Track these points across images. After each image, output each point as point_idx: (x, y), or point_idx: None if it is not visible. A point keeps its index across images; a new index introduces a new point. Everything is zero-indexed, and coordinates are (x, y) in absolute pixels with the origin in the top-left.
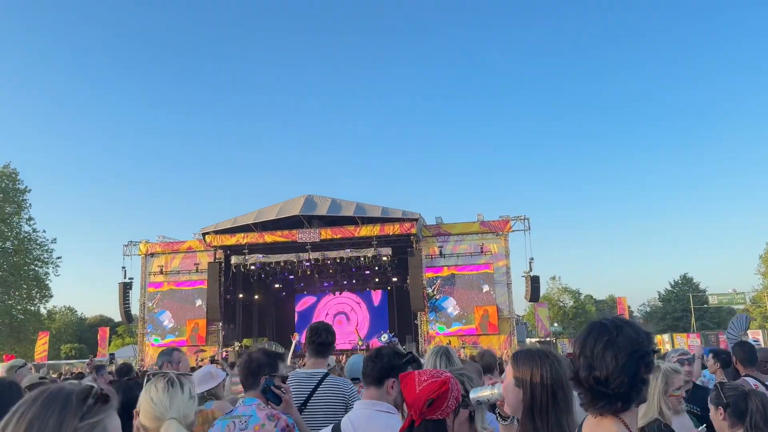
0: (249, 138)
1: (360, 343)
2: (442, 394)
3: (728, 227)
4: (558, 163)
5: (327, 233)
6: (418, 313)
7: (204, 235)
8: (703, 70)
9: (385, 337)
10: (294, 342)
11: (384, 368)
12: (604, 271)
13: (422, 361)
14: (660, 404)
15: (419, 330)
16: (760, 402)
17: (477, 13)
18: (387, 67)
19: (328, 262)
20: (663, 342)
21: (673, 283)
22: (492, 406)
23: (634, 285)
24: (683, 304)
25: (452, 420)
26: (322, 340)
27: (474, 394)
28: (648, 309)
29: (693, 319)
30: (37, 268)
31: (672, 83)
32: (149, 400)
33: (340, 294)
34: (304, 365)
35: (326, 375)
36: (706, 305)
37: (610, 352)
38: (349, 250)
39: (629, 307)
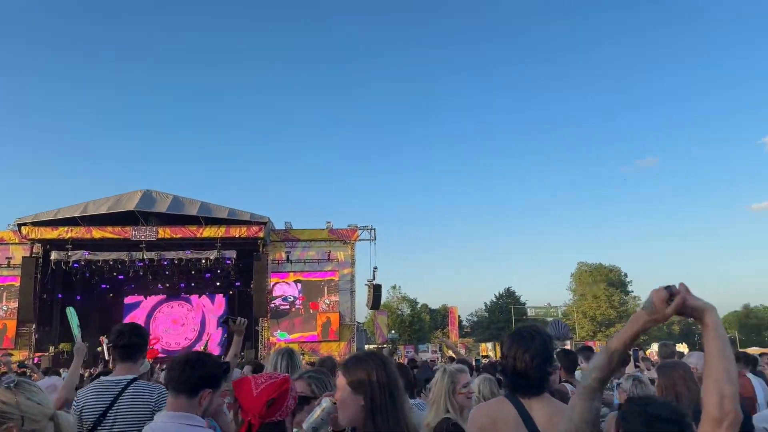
0: (78, 123)
1: (203, 348)
2: (282, 393)
3: (547, 247)
4: (404, 175)
5: (166, 232)
6: (260, 319)
7: (19, 225)
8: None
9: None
10: (104, 345)
11: (204, 377)
12: (439, 282)
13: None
14: (447, 404)
15: (260, 336)
16: None
17: (326, 16)
18: (237, 64)
19: (165, 263)
20: (487, 350)
21: (498, 295)
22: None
23: (465, 296)
24: (506, 315)
25: (291, 421)
26: (125, 343)
27: (308, 424)
28: (475, 318)
29: (513, 329)
30: None
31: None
32: None
33: (176, 298)
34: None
35: (133, 380)
36: (525, 317)
37: (528, 353)
38: (189, 252)
39: (459, 316)
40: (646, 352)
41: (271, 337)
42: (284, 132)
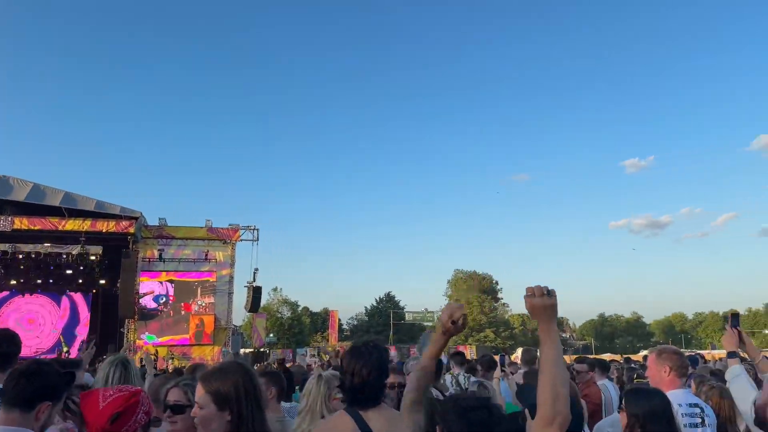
0: None
1: (65, 349)
2: (129, 407)
3: (427, 253)
4: (290, 176)
5: (23, 222)
6: (126, 320)
7: None
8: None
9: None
10: None
11: (41, 388)
12: (322, 285)
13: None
14: (323, 410)
15: (125, 339)
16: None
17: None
18: (94, 47)
19: (20, 256)
20: None
21: (378, 299)
22: None
23: (347, 300)
24: (385, 319)
25: None
26: (1, 351)
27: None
28: (355, 322)
29: (391, 333)
30: None
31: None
32: None
33: (31, 295)
34: None
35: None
36: (403, 321)
37: (365, 368)
38: (48, 245)
39: (340, 320)
40: (512, 357)
41: (138, 340)
42: (162, 128)
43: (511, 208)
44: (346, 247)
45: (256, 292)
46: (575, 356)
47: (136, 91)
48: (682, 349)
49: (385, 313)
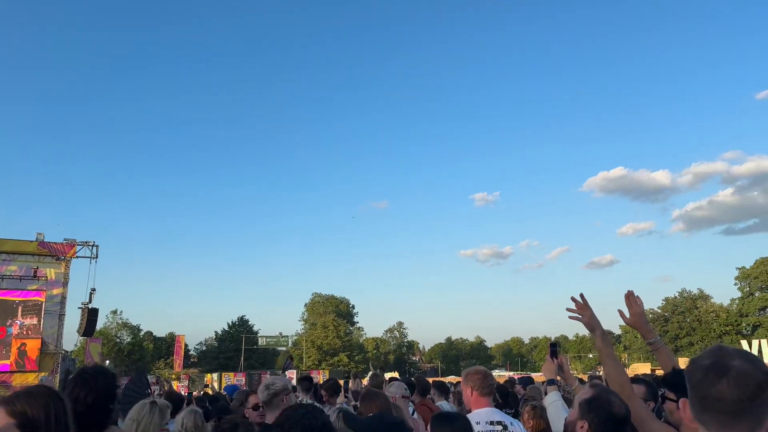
0: None
1: None
2: None
3: (283, 276)
4: (135, 191)
5: None
6: None
7: None
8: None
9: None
10: None
11: None
12: (168, 308)
13: None
14: None
15: None
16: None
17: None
18: None
19: None
20: (213, 380)
21: (230, 323)
22: None
23: (195, 324)
24: (237, 344)
25: None
26: None
27: None
28: (204, 348)
29: (242, 358)
30: None
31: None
32: None
33: None
34: None
35: None
36: (256, 346)
37: (90, 395)
38: None
39: (187, 345)
40: (363, 380)
41: None
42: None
43: (369, 235)
44: (196, 270)
45: (91, 314)
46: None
47: None
48: (518, 372)
49: (238, 338)
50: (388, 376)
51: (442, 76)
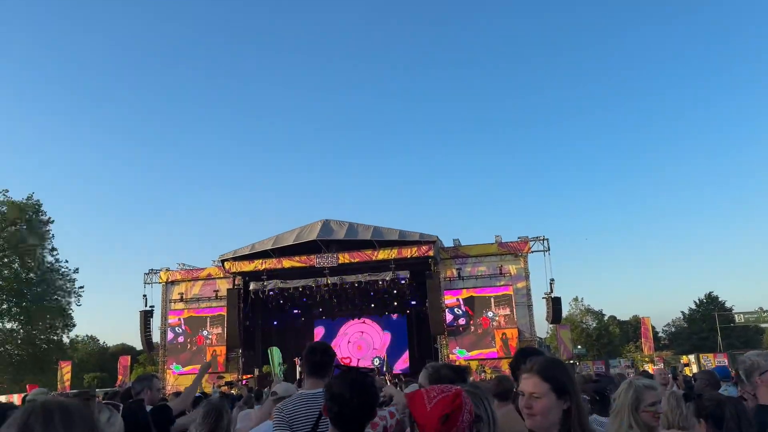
0: (265, 163)
1: (385, 368)
2: (456, 408)
3: (755, 244)
4: (576, 182)
5: (345, 257)
6: (438, 336)
7: (223, 261)
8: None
9: (377, 361)
10: (298, 365)
11: None
12: (627, 291)
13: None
14: (630, 419)
15: (440, 354)
16: (734, 409)
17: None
18: (394, 88)
19: (347, 286)
20: (690, 362)
21: (697, 302)
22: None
23: (658, 305)
24: (709, 324)
25: None
26: (317, 360)
27: None
28: (673, 329)
29: (719, 338)
30: (60, 298)
31: (693, 93)
32: None
33: (359, 319)
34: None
35: None
36: (732, 324)
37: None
38: (367, 274)
39: (653, 327)
40: None
41: (450, 355)
42: (446, 149)
43: None
44: (649, 250)
45: (555, 303)
46: None
47: (417, 128)
48: None
49: (709, 317)
50: None
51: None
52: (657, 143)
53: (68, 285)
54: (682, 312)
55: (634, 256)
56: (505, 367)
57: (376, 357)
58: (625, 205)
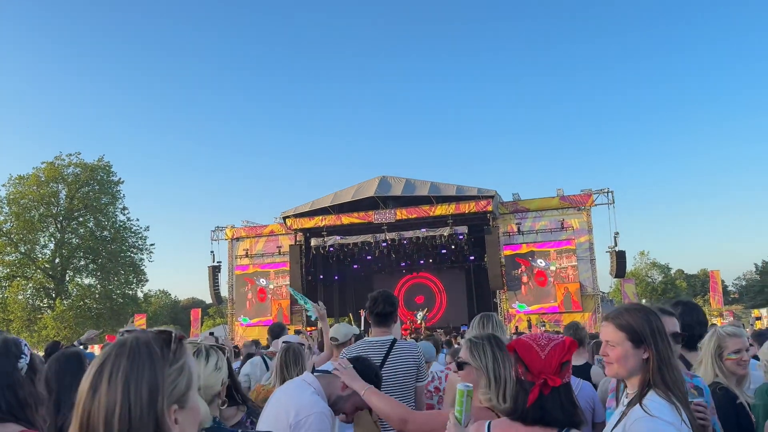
0: (324, 124)
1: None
2: (569, 356)
3: None
4: (642, 133)
5: (402, 213)
6: (497, 291)
7: (284, 218)
8: None
9: (420, 315)
10: (363, 316)
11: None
12: (695, 244)
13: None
14: (714, 367)
15: (499, 308)
16: None
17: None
18: (454, 48)
19: (405, 242)
20: (762, 316)
21: None
22: None
23: (728, 258)
24: None
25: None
26: (380, 311)
27: (465, 417)
28: (744, 282)
29: None
30: (132, 255)
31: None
32: None
33: (417, 274)
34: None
35: (394, 341)
36: None
37: None
38: (424, 230)
39: (723, 281)
40: None
41: (510, 309)
42: (506, 101)
43: None
44: (719, 200)
45: (619, 257)
46: None
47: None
48: None
49: None
50: None
51: None
52: (730, 91)
53: (140, 242)
54: (755, 264)
55: (703, 207)
56: (566, 321)
57: (419, 311)
58: (694, 155)
